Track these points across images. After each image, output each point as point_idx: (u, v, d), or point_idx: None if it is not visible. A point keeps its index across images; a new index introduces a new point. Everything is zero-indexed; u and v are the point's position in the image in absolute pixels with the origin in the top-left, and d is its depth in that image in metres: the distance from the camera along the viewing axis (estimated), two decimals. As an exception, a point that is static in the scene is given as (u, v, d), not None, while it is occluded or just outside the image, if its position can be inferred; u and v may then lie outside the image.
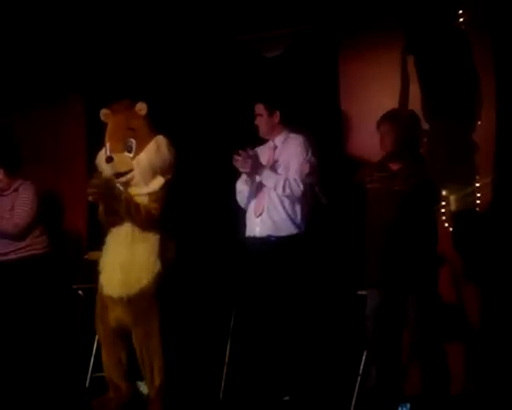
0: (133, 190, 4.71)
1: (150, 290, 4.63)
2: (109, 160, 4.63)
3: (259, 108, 4.97)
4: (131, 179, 4.70)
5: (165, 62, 5.68)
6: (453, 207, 4.08)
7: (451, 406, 4.29)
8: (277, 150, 4.97)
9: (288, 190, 4.81)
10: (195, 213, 5.49)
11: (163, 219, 4.69)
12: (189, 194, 5.37)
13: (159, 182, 4.71)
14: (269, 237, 4.88)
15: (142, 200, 4.68)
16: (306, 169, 4.57)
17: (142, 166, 4.68)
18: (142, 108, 4.72)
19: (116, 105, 4.81)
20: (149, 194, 4.70)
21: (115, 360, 4.74)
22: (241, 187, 5.02)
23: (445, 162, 4.15)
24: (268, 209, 4.88)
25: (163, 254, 4.69)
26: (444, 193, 4.10)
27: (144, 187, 4.71)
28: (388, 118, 4.38)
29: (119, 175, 4.68)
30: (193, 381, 5.14)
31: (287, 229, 4.87)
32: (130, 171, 4.68)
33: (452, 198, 4.08)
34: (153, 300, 4.64)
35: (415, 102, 4.74)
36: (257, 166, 4.87)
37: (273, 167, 4.92)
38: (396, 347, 4.44)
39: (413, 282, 4.26)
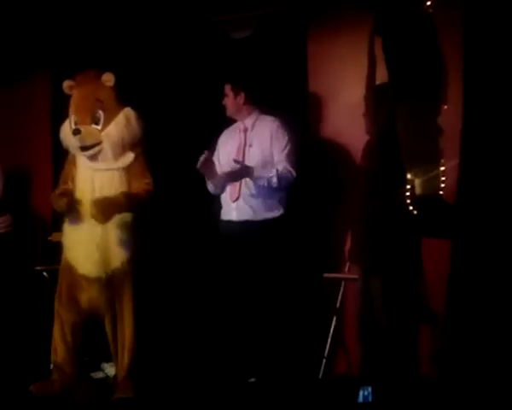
0: (101, 165, 4.59)
1: (128, 270, 4.56)
2: (76, 132, 4.49)
3: (226, 88, 4.96)
4: (99, 153, 4.57)
5: (136, 37, 5.58)
6: (418, 190, 4.08)
7: (417, 388, 4.31)
8: (249, 133, 4.95)
9: (283, 182, 4.79)
10: (169, 194, 5.45)
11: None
12: (161, 174, 5.34)
13: (129, 157, 4.61)
14: (246, 221, 4.87)
15: (113, 175, 4.57)
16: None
17: (112, 139, 4.56)
18: (109, 78, 4.60)
19: (81, 76, 4.66)
20: (130, 171, 4.58)
21: (70, 342, 4.64)
22: (209, 187, 5.02)
23: (410, 145, 4.14)
24: (244, 194, 4.86)
25: (139, 232, 4.61)
26: (408, 176, 4.09)
27: (113, 162, 4.59)
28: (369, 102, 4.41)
29: (86, 148, 4.54)
30: (162, 362, 5.14)
31: (264, 213, 4.87)
32: (98, 143, 4.55)
33: (417, 181, 4.07)
34: (129, 279, 4.58)
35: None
36: (212, 171, 4.82)
37: (246, 151, 4.89)
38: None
39: (379, 262, 4.28)
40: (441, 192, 4.06)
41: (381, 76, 4.61)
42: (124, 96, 4.72)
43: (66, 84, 4.67)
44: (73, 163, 4.72)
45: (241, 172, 4.77)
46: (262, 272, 4.81)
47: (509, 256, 4.23)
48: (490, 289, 4.29)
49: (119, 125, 4.58)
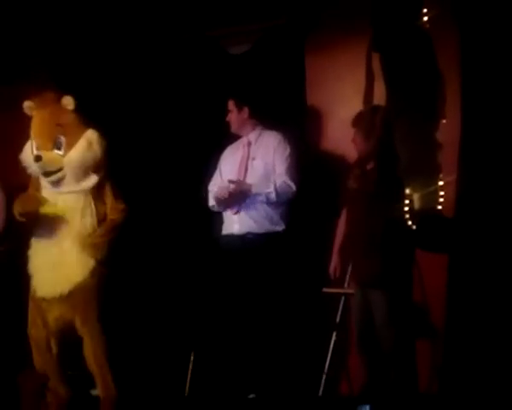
0: (63, 188, 4.52)
1: (88, 285, 4.46)
2: (38, 159, 4.43)
3: (229, 104, 4.97)
4: (62, 178, 4.51)
5: (130, 53, 5.58)
6: (416, 205, 4.08)
7: (417, 404, 4.30)
8: (252, 147, 4.95)
9: (282, 197, 4.79)
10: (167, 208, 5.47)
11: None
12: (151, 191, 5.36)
13: (92, 180, 4.53)
14: (248, 234, 4.86)
15: (77, 197, 4.50)
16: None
17: (73, 165, 4.48)
18: (68, 102, 4.50)
19: (40, 98, 4.56)
20: (95, 192, 4.51)
21: (51, 364, 4.58)
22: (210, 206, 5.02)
23: (409, 160, 4.15)
24: (246, 206, 4.85)
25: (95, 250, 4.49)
26: (407, 191, 4.10)
27: (76, 185, 4.52)
28: (357, 123, 4.43)
29: (47, 174, 4.48)
30: (156, 380, 5.11)
31: (266, 226, 4.87)
32: (61, 169, 4.48)
33: (416, 196, 4.07)
34: (90, 298, 4.47)
35: (380, 99, 4.74)
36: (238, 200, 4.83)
37: (248, 165, 4.90)
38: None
39: (380, 278, 4.28)
40: (439, 207, 4.07)
41: (379, 90, 4.64)
42: (116, 115, 4.66)
43: (26, 104, 4.56)
44: (36, 186, 4.64)
45: (239, 191, 4.77)
46: (261, 287, 4.80)
47: (507, 270, 4.24)
48: (488, 302, 4.30)
49: (81, 150, 4.49)
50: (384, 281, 4.29)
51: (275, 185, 4.78)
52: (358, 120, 4.48)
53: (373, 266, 4.29)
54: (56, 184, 4.53)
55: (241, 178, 4.89)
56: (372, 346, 4.42)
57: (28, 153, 4.56)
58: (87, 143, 4.51)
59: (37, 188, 4.63)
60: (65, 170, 4.49)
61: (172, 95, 5.56)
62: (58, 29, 5.43)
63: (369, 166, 4.41)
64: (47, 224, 4.52)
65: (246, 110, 4.94)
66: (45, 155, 4.46)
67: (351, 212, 4.52)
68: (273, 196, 4.77)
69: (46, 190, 4.60)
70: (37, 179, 4.63)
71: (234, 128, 5.01)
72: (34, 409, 4.65)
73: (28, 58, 5.58)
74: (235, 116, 4.97)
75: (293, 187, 4.80)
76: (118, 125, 5.07)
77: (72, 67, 5.42)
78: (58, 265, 4.46)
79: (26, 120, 4.60)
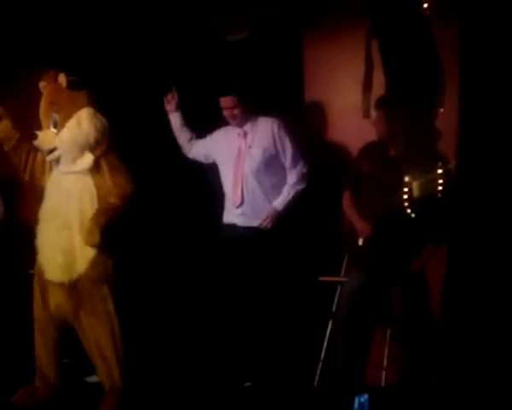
0: (63, 168, 4.51)
1: (94, 275, 4.43)
2: (34, 137, 4.45)
3: (233, 101, 4.85)
4: (59, 157, 4.49)
5: (128, 40, 5.52)
6: (416, 193, 4.08)
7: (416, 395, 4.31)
8: (249, 136, 4.90)
9: (305, 179, 4.84)
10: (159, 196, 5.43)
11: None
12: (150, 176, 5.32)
13: (88, 159, 4.48)
14: (249, 226, 4.86)
15: (77, 178, 4.46)
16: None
17: (64, 143, 4.45)
18: (61, 80, 4.47)
19: (46, 76, 4.56)
20: (94, 172, 4.46)
21: (50, 347, 4.56)
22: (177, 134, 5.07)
23: (408, 148, 4.15)
24: (249, 200, 4.85)
25: (112, 238, 4.45)
26: (406, 179, 4.09)
27: (73, 165, 4.49)
28: (383, 104, 4.39)
29: (46, 153, 4.50)
30: (153, 370, 5.09)
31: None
32: (55, 149, 4.46)
33: (415, 184, 4.07)
34: (99, 285, 4.45)
35: (379, 87, 4.74)
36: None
37: (246, 154, 4.87)
38: (367, 333, 4.49)
39: (403, 270, 4.31)
40: (439, 195, 4.06)
41: (378, 78, 4.63)
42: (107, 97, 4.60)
43: (41, 84, 4.58)
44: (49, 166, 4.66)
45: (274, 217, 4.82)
46: (257, 276, 4.80)
47: (506, 260, 4.24)
48: (486, 293, 4.30)
49: (70, 128, 4.46)
50: (407, 273, 4.30)
51: (290, 185, 4.82)
52: (383, 101, 4.42)
53: (399, 258, 4.27)
54: (56, 163, 4.53)
55: (240, 170, 4.86)
56: (355, 331, 4.46)
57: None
58: (76, 122, 4.46)
59: (50, 168, 4.63)
60: (59, 149, 4.47)
61: (172, 80, 5.52)
62: (63, 18, 5.39)
63: (393, 152, 4.37)
64: (56, 202, 4.51)
65: (242, 105, 4.85)
66: (40, 133, 4.47)
67: (364, 196, 4.48)
68: (291, 196, 4.82)
69: (53, 170, 4.60)
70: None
71: (237, 123, 4.93)
72: None
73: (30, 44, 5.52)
74: (240, 111, 4.87)
75: (306, 172, 4.85)
76: (119, 110, 5.01)
77: (73, 52, 5.37)
78: (67, 250, 4.42)
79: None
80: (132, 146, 4.99)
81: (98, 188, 4.49)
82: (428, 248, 4.30)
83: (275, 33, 5.34)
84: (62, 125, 4.46)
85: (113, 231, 4.46)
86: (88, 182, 4.49)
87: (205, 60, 5.46)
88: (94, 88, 4.61)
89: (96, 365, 4.53)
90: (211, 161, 5.08)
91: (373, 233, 4.37)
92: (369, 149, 4.52)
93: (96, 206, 4.46)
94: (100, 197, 4.48)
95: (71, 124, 4.46)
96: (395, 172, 4.28)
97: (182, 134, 5.11)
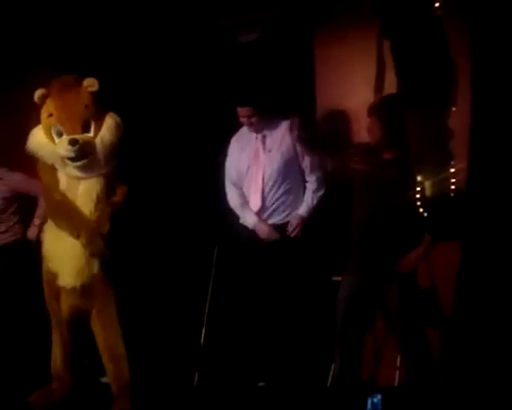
0: (88, 173, 4.39)
1: (105, 279, 4.43)
2: (74, 142, 4.27)
3: (250, 110, 4.82)
4: (93, 161, 4.38)
5: (138, 41, 5.53)
6: (428, 192, 4.08)
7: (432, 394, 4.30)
8: (269, 140, 4.90)
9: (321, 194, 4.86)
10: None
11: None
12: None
13: (115, 161, 4.45)
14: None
15: (97, 181, 4.39)
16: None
17: (106, 145, 4.37)
18: (92, 83, 4.37)
19: (59, 82, 4.42)
20: (111, 176, 4.43)
21: (67, 349, 4.58)
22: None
23: (420, 148, 4.15)
24: (268, 203, 4.86)
25: (118, 240, 4.45)
26: (419, 178, 4.09)
27: (102, 168, 4.41)
28: (376, 110, 4.39)
29: (79, 158, 4.32)
30: (164, 369, 5.11)
31: (283, 219, 4.89)
32: (93, 152, 4.35)
33: (427, 183, 4.07)
34: (109, 286, 4.46)
35: (390, 88, 4.73)
36: None
37: (265, 157, 4.87)
38: (362, 336, 4.49)
39: (394, 269, 4.29)
40: (451, 194, 4.07)
41: (390, 79, 4.62)
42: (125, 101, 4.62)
43: (40, 93, 4.39)
44: (51, 173, 4.50)
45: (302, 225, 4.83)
46: (271, 276, 4.81)
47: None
48: (499, 290, 4.30)
49: (111, 130, 4.40)
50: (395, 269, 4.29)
51: (311, 192, 4.85)
52: (375, 109, 4.44)
53: (391, 258, 4.28)
54: (83, 167, 4.38)
55: (259, 174, 4.86)
56: (351, 340, 4.46)
57: (42, 139, 4.42)
58: (116, 124, 4.41)
59: (53, 176, 4.49)
60: (96, 152, 4.36)
61: (182, 83, 5.54)
62: (71, 18, 5.40)
63: (387, 156, 4.37)
64: (68, 208, 4.43)
65: (258, 114, 4.82)
66: (81, 138, 4.32)
67: (362, 199, 4.47)
68: (313, 201, 4.84)
69: (66, 177, 4.46)
70: (51, 167, 4.49)
71: (257, 129, 4.92)
72: None
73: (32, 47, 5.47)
74: (258, 119, 4.84)
75: (321, 178, 4.86)
76: (130, 112, 5.03)
77: (81, 53, 5.39)
78: (79, 255, 4.39)
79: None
80: (133, 146, 5.02)
81: (107, 190, 4.47)
82: (422, 246, 4.27)
83: (286, 34, 5.34)
84: (97, 129, 4.39)
85: (116, 232, 4.46)
86: (106, 184, 4.45)
87: (217, 62, 5.47)
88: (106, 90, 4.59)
89: (107, 365, 4.54)
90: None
91: (364, 234, 4.36)
92: (364, 149, 4.51)
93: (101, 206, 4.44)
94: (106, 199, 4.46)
95: (110, 125, 4.39)
96: (390, 175, 4.26)
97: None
